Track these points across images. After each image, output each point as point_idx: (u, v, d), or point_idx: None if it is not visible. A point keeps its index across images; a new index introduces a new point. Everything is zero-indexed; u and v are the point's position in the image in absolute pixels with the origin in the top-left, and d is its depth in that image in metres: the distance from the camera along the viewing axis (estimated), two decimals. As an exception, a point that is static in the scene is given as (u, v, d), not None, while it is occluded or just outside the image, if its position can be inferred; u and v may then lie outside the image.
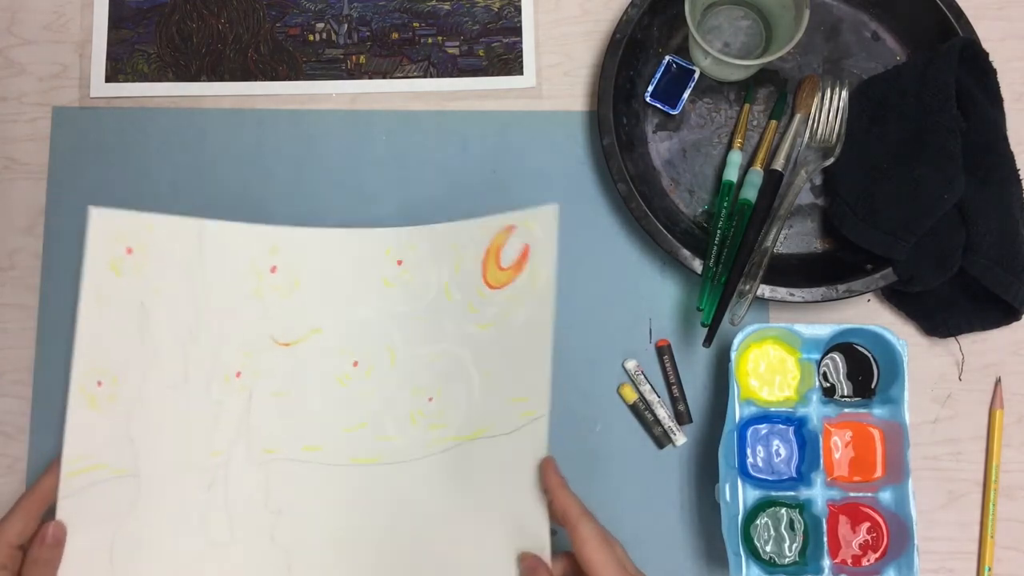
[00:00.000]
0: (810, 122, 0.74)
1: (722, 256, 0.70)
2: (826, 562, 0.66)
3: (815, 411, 0.69)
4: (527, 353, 0.67)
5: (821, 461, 0.68)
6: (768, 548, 0.68)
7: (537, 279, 0.67)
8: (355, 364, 0.69)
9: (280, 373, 0.69)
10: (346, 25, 0.77)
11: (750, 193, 0.72)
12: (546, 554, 0.64)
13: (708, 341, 0.68)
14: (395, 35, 0.77)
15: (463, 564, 0.66)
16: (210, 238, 0.69)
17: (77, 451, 0.65)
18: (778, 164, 0.72)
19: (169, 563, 0.66)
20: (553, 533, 0.65)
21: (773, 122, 0.74)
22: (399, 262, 0.69)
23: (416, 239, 0.69)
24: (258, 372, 0.68)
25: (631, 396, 0.72)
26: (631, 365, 0.72)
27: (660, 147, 0.75)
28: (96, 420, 0.66)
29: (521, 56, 0.76)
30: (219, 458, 0.67)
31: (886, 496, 0.68)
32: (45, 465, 0.71)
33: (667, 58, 0.74)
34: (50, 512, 0.66)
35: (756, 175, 0.72)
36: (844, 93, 0.73)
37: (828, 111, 0.73)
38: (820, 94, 0.74)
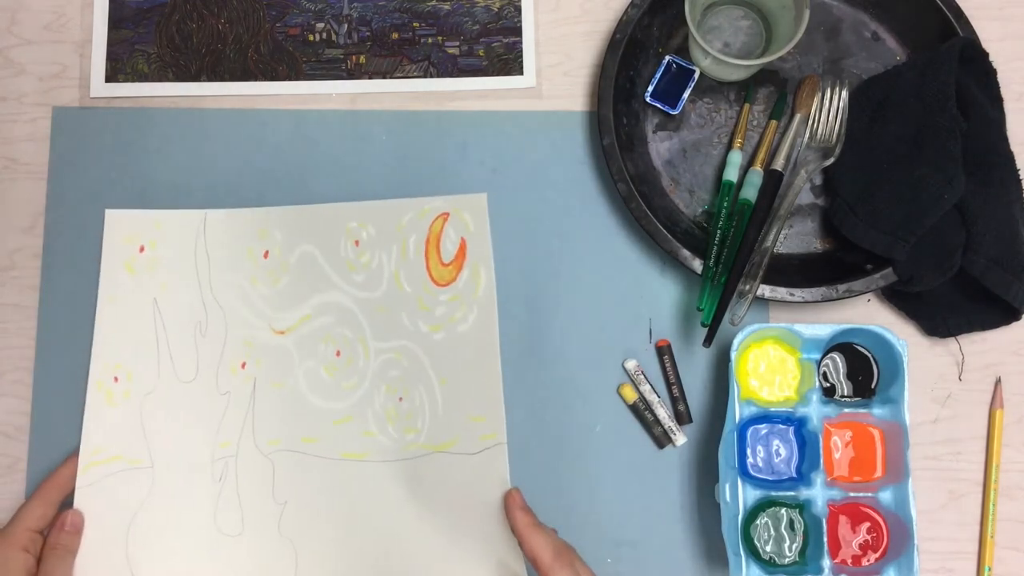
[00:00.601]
0: (810, 122, 0.74)
1: (722, 256, 0.70)
2: (826, 562, 0.66)
3: (815, 411, 0.69)
4: (478, 367, 0.69)
5: (821, 461, 0.68)
6: (768, 548, 0.68)
7: (478, 282, 0.70)
8: (337, 353, 0.71)
9: (278, 363, 0.71)
10: (346, 25, 0.77)
11: (750, 193, 0.72)
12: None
13: (708, 341, 0.68)
14: (395, 35, 0.77)
15: (459, 566, 0.67)
16: (211, 227, 0.72)
17: (94, 443, 0.69)
18: (778, 164, 0.72)
19: (182, 553, 0.68)
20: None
21: (773, 122, 0.74)
22: (356, 243, 0.72)
23: (366, 216, 0.72)
24: (260, 362, 0.71)
25: (631, 396, 0.72)
26: (631, 365, 0.72)
27: (660, 147, 0.75)
28: (112, 414, 0.70)
29: (521, 56, 0.76)
30: (228, 449, 0.70)
31: (886, 496, 0.68)
32: (46, 465, 0.71)
33: (667, 58, 0.74)
34: (67, 503, 0.68)
35: (756, 175, 0.72)
36: (844, 93, 0.73)
37: (828, 111, 0.73)
38: (820, 94, 0.74)
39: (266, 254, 0.72)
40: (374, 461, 0.69)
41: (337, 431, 0.70)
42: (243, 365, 0.71)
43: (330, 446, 0.69)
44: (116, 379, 0.70)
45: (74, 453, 0.69)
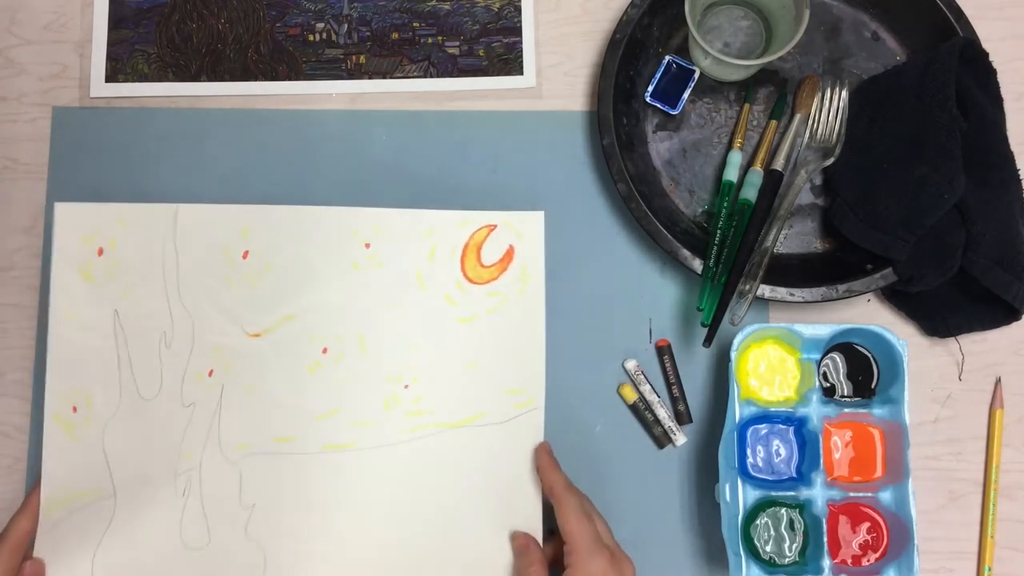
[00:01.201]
0: (810, 122, 0.74)
1: (722, 256, 0.70)
2: (826, 562, 0.66)
3: (815, 411, 0.69)
4: (518, 348, 0.69)
5: (821, 461, 0.68)
6: (768, 548, 0.68)
7: (526, 282, 0.69)
8: (324, 351, 0.68)
9: (250, 365, 0.68)
10: (346, 25, 0.77)
11: (750, 193, 0.72)
12: (538, 536, 0.66)
13: (708, 341, 0.68)
14: (395, 35, 0.77)
15: (453, 546, 0.67)
16: (183, 223, 0.67)
17: (56, 484, 0.65)
18: (778, 164, 0.72)
19: (150, 572, 0.66)
20: (551, 532, 0.66)
21: (773, 122, 0.74)
22: (367, 245, 0.69)
23: (383, 222, 0.69)
24: (229, 367, 0.68)
25: (631, 396, 0.72)
26: (631, 365, 0.72)
27: (660, 147, 0.75)
28: (73, 449, 0.66)
29: (521, 56, 0.76)
30: (191, 461, 0.67)
31: (886, 496, 0.68)
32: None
33: (667, 58, 0.74)
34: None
35: (756, 175, 0.72)
36: (844, 93, 0.73)
37: (828, 111, 0.73)
38: (820, 94, 0.73)
39: (245, 254, 0.68)
40: (363, 448, 0.68)
41: (319, 425, 0.68)
42: (210, 372, 0.67)
43: (309, 441, 0.68)
44: (75, 409, 0.66)
45: (29, 501, 0.64)
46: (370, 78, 0.76)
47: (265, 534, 0.67)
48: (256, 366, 0.68)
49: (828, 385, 0.71)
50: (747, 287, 0.68)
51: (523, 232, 0.69)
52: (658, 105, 0.74)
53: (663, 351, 0.72)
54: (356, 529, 0.67)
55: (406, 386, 0.69)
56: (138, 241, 0.67)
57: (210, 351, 0.67)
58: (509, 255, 0.69)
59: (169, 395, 0.67)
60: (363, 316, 0.69)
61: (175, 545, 0.66)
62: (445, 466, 0.68)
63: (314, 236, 0.69)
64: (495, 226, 0.69)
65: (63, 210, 0.66)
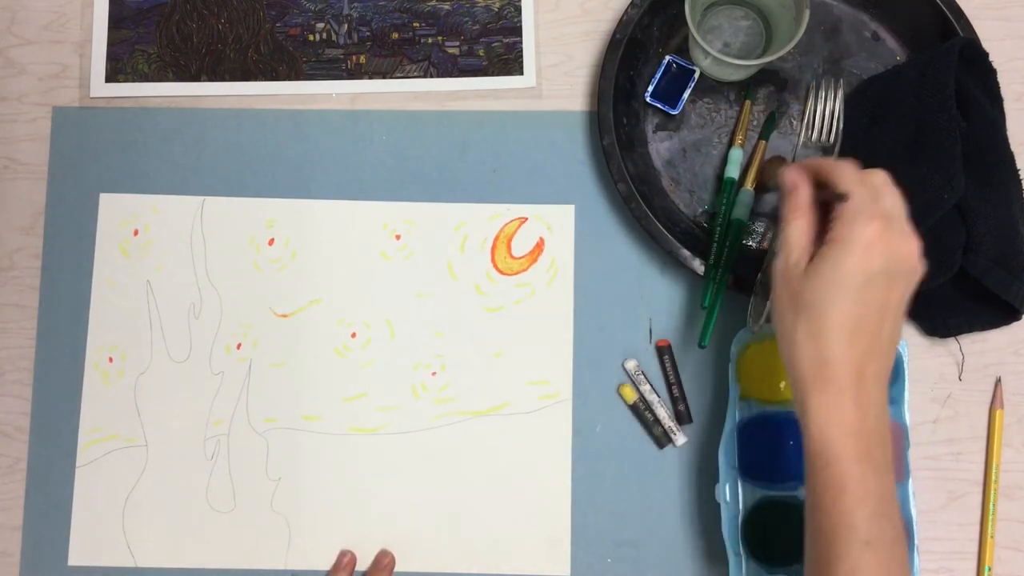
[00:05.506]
0: (807, 122, 0.73)
1: (723, 255, 0.70)
2: (826, 562, 0.66)
3: (815, 411, 0.68)
4: (544, 340, 0.72)
5: (821, 461, 0.68)
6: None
7: (554, 274, 0.72)
8: (353, 335, 0.72)
9: (279, 344, 0.72)
10: (346, 25, 0.77)
11: (741, 212, 0.71)
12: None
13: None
14: (395, 35, 0.77)
15: (478, 532, 0.70)
16: (210, 213, 0.73)
17: (92, 423, 0.71)
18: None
19: (176, 529, 0.71)
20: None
21: (763, 142, 0.74)
22: (397, 236, 0.73)
23: (415, 215, 0.74)
24: (257, 343, 0.72)
25: (631, 396, 0.72)
26: (631, 365, 0.72)
27: (660, 147, 0.75)
28: (108, 393, 0.72)
29: (521, 56, 0.76)
30: (220, 427, 0.72)
31: (886, 496, 0.68)
32: (46, 465, 0.72)
33: (667, 58, 0.74)
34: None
35: (747, 195, 0.72)
36: (839, 93, 0.73)
37: (824, 111, 0.73)
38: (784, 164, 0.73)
39: (271, 242, 0.73)
40: (389, 434, 0.71)
41: (346, 407, 0.72)
42: (239, 346, 0.72)
43: (335, 423, 0.72)
44: (111, 359, 0.72)
45: None
46: (370, 78, 0.76)
47: (290, 509, 0.71)
48: (284, 345, 0.72)
49: (828, 385, 0.71)
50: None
51: (553, 225, 0.73)
52: (658, 105, 0.74)
53: (663, 351, 0.72)
54: (380, 513, 0.71)
55: (433, 373, 0.72)
56: (168, 226, 0.74)
57: (238, 327, 0.73)
58: (539, 247, 0.73)
59: (198, 361, 0.73)
60: (392, 304, 0.73)
61: (201, 505, 0.71)
62: (471, 454, 0.71)
63: (341, 228, 0.74)
64: (526, 219, 0.73)
65: (106, 199, 0.74)
